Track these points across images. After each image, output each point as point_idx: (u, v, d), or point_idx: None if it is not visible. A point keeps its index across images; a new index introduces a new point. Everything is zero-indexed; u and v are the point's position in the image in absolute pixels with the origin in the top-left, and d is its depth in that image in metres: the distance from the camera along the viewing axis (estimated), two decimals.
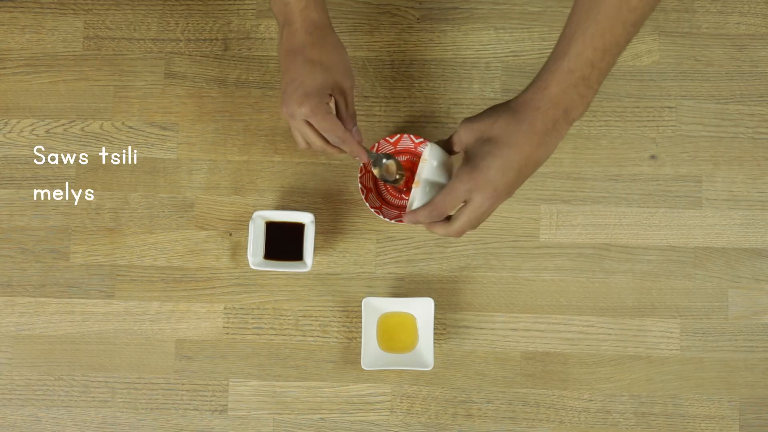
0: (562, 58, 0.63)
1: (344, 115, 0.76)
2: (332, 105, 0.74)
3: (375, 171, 0.84)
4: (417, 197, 0.69)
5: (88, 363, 0.92)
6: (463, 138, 0.68)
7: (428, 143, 0.72)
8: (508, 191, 0.66)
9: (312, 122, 0.72)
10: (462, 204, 0.67)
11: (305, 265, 0.87)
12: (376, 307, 0.89)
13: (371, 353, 0.88)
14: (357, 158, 0.77)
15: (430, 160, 0.69)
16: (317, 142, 0.74)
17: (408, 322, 0.89)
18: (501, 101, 0.93)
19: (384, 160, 0.84)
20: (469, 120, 0.68)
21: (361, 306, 0.89)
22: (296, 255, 0.89)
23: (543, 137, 0.65)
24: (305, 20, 0.72)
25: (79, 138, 0.94)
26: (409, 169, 0.92)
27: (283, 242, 0.89)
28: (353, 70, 0.94)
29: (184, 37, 0.95)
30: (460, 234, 0.69)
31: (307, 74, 0.71)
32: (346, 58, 0.75)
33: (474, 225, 0.68)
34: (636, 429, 0.91)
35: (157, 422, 0.92)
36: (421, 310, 0.89)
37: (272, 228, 0.89)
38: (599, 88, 0.66)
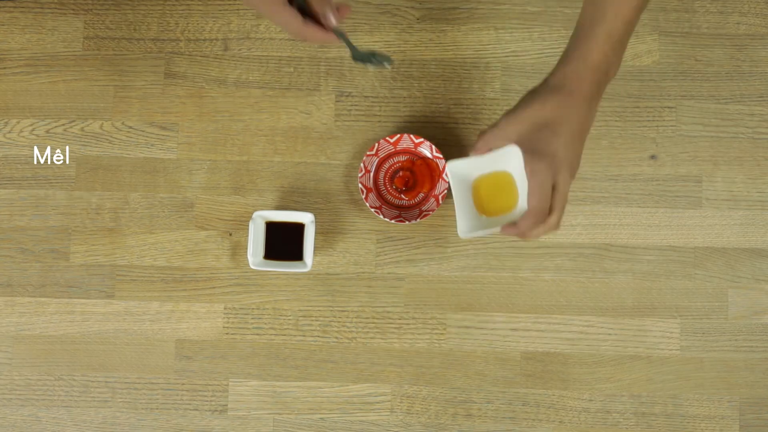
0: (599, 23, 0.64)
1: (315, 5, 0.69)
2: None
3: (359, 64, 0.76)
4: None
5: (88, 363, 0.92)
6: (510, 131, 0.68)
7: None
8: (579, 162, 0.69)
9: (268, 17, 0.68)
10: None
11: (305, 265, 0.87)
12: (464, 174, 0.74)
13: (470, 219, 0.74)
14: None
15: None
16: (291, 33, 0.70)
17: (506, 181, 0.74)
18: (501, 101, 0.94)
19: (370, 61, 0.75)
20: (512, 113, 0.68)
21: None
22: (296, 255, 0.89)
23: (591, 103, 0.67)
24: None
25: (79, 138, 0.94)
26: (409, 168, 0.92)
27: (283, 242, 0.89)
28: (355, 69, 0.94)
29: (184, 37, 0.95)
30: (559, 226, 0.70)
31: None
32: None
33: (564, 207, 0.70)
34: (636, 429, 0.91)
35: (157, 422, 0.92)
36: (514, 162, 0.73)
37: (272, 228, 0.89)
38: None
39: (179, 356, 0.92)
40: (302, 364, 0.92)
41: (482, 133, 0.70)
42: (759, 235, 0.92)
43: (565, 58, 0.68)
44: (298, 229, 0.89)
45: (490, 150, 0.69)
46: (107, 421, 0.92)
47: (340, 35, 0.70)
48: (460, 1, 0.95)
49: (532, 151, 0.68)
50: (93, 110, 0.95)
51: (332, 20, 0.68)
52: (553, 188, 0.67)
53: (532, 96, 0.68)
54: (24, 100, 0.95)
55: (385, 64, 0.74)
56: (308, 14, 0.67)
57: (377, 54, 0.74)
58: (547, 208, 0.68)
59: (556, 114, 0.67)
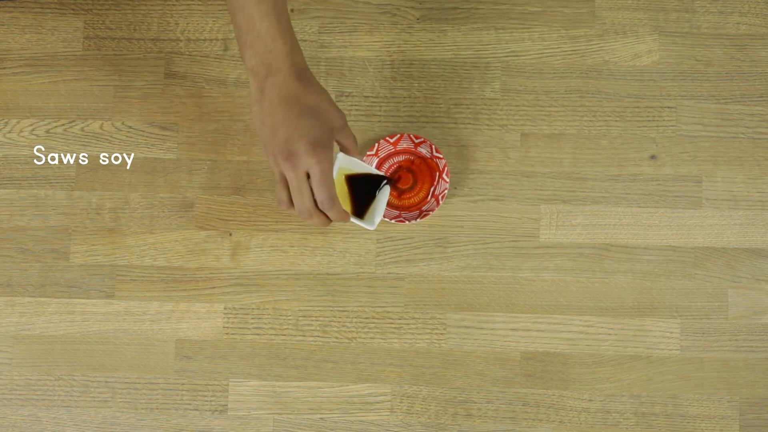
0: None
1: (353, 153, 0.78)
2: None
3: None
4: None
5: (88, 363, 0.92)
6: None
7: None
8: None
9: (316, 174, 0.69)
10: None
11: (372, 222, 0.81)
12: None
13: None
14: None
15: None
16: (307, 202, 0.71)
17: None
18: (501, 101, 0.94)
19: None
20: None
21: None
22: (360, 213, 0.83)
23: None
24: (293, 66, 0.69)
25: (79, 138, 0.94)
26: (408, 168, 0.92)
27: (355, 195, 0.83)
28: (355, 69, 0.94)
29: (184, 37, 0.95)
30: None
31: (310, 122, 0.69)
32: (330, 98, 0.73)
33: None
34: (636, 429, 0.91)
35: (157, 422, 0.92)
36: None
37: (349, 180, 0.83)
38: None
39: (179, 356, 0.92)
40: (302, 364, 0.92)
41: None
42: (759, 235, 0.92)
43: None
44: (372, 184, 0.82)
45: None
46: (107, 421, 0.92)
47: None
48: (460, 1, 0.95)
49: None
50: (93, 110, 0.95)
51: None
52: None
53: None
54: (24, 100, 0.95)
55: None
56: None
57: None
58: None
59: None
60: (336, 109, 0.73)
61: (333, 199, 0.70)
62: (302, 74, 0.70)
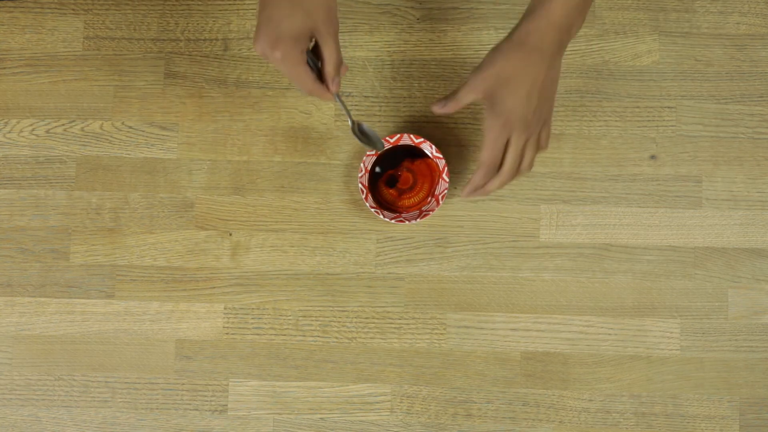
0: None
1: (327, 65, 0.72)
2: (311, 49, 0.72)
3: (356, 137, 0.81)
4: None
5: (88, 363, 0.92)
6: (479, 88, 0.72)
7: None
8: (538, 117, 0.72)
9: (282, 69, 0.69)
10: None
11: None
12: None
13: None
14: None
15: None
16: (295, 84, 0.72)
17: None
18: None
19: (364, 129, 0.82)
20: (479, 70, 0.71)
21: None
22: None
23: (552, 60, 0.70)
24: None
25: (79, 138, 0.94)
26: (409, 168, 0.92)
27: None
28: (355, 69, 0.94)
29: (184, 37, 0.95)
30: (512, 175, 0.74)
31: (285, 15, 0.68)
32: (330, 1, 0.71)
33: (519, 160, 0.74)
34: (636, 429, 0.91)
35: (157, 422, 0.92)
36: None
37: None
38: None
39: (179, 356, 0.92)
40: (302, 364, 0.92)
41: (452, 92, 0.74)
42: (759, 235, 0.92)
43: (529, 14, 0.70)
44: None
45: (460, 107, 0.74)
46: (107, 421, 0.92)
47: (341, 102, 0.76)
48: (460, 1, 0.95)
49: (492, 107, 0.72)
50: (93, 110, 0.95)
51: (335, 87, 0.73)
52: (508, 143, 0.72)
53: (495, 53, 0.72)
54: (24, 100, 0.95)
55: (375, 147, 0.82)
56: (315, 69, 0.72)
57: (371, 136, 0.82)
58: (498, 162, 0.74)
59: (518, 71, 0.70)
60: (326, 15, 0.70)
61: (311, 90, 0.72)
62: None
